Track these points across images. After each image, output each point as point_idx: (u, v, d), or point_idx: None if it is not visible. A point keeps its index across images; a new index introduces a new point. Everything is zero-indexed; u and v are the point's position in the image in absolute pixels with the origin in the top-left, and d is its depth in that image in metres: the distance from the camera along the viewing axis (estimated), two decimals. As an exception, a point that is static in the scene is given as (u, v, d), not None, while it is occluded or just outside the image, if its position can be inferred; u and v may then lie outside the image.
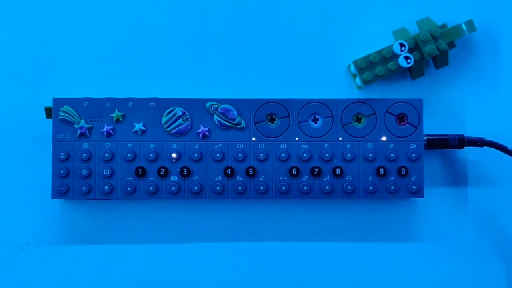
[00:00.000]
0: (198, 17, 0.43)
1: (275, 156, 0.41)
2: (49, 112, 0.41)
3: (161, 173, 0.41)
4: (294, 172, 0.41)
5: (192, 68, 0.43)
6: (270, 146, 0.42)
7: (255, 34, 0.43)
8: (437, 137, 0.42)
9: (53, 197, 0.41)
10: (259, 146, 0.42)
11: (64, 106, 0.41)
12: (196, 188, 0.41)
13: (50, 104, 0.41)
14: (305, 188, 0.41)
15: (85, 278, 0.43)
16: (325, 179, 0.42)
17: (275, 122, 0.42)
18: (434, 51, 0.42)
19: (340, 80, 0.43)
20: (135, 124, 0.41)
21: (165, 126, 0.41)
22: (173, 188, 0.41)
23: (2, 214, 0.43)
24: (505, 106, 0.44)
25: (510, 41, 0.44)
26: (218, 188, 0.41)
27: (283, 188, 0.41)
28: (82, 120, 0.41)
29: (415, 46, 0.42)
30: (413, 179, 0.41)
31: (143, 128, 0.41)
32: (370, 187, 0.41)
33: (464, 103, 0.44)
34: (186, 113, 0.41)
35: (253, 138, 0.42)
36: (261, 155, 0.41)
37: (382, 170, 0.41)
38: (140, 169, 0.41)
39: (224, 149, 0.41)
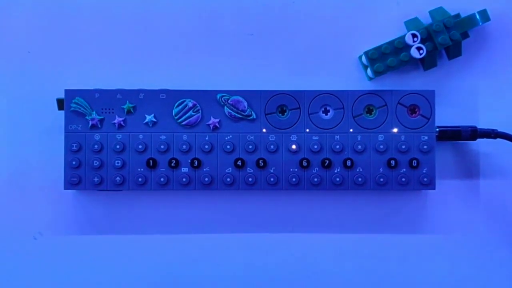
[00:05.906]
0: (208, 8, 0.43)
1: (285, 147, 0.41)
2: (61, 104, 0.41)
3: (172, 164, 0.41)
4: (304, 163, 0.41)
5: (202, 60, 0.43)
6: (281, 138, 0.42)
7: (265, 25, 0.43)
8: (449, 128, 0.42)
9: (66, 187, 0.41)
10: (270, 137, 0.41)
11: (76, 97, 0.41)
12: (206, 179, 0.41)
13: (62, 95, 0.41)
14: (316, 179, 0.41)
15: (96, 267, 0.43)
16: (335, 171, 0.41)
17: (285, 113, 0.42)
18: (447, 41, 0.41)
19: (351, 71, 0.43)
20: (146, 115, 0.41)
21: (176, 117, 0.41)
22: (184, 179, 0.41)
23: (16, 204, 0.43)
24: (519, 97, 0.43)
25: (525, 31, 0.43)
26: (228, 179, 0.41)
27: (294, 179, 0.41)
28: (94, 112, 0.41)
29: (427, 37, 0.41)
30: (424, 171, 0.41)
31: (154, 119, 0.41)
32: (381, 179, 0.41)
33: (477, 94, 0.43)
34: (197, 105, 0.41)
35: (264, 130, 0.42)
36: (272, 146, 0.41)
37: (393, 162, 0.41)
38: (151, 161, 0.41)
39: (235, 140, 0.41)
